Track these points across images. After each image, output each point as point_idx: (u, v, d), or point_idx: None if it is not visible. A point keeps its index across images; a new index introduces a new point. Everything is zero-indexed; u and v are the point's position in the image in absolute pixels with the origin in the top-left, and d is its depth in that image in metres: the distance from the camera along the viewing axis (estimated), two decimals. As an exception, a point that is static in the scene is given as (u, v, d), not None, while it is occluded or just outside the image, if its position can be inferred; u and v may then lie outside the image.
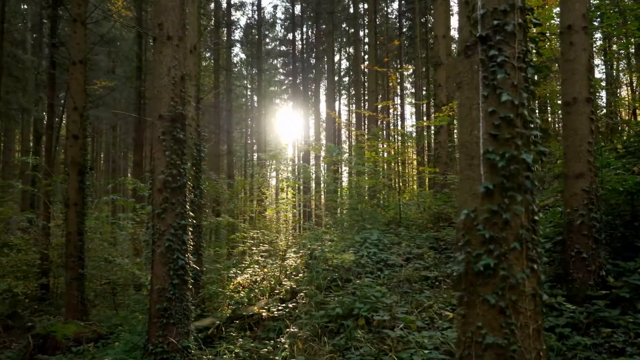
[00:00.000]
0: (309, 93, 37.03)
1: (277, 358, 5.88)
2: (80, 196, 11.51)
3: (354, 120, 39.03)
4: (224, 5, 28.84)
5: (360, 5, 25.19)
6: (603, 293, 5.33)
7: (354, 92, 40.07)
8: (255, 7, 33.43)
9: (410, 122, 33.55)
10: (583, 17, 5.66)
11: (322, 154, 21.89)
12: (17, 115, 25.46)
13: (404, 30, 31.38)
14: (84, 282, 11.58)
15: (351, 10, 33.92)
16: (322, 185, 23.78)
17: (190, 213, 6.90)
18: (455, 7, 23.94)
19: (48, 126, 19.54)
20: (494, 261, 2.74)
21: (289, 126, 42.27)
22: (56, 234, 18.09)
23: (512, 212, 2.76)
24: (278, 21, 37.33)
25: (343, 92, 40.78)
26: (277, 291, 8.35)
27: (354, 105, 39.94)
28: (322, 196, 21.94)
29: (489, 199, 2.80)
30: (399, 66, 29.80)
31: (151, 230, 6.65)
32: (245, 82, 40.07)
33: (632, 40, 11.15)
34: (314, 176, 20.14)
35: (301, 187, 18.41)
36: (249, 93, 41.14)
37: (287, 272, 9.10)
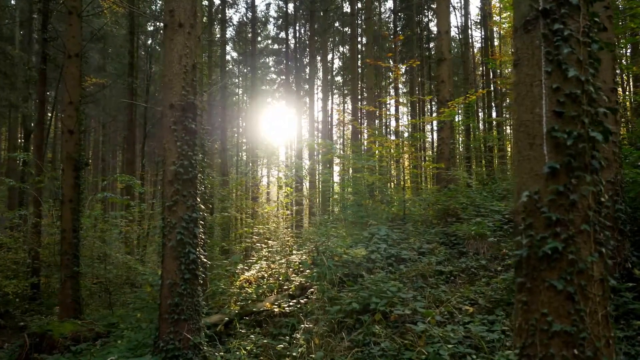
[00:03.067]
0: (301, 92, 36.83)
1: (294, 354, 5.71)
2: (75, 192, 11.26)
3: (347, 119, 38.97)
4: (216, 1, 28.58)
5: (355, 4, 25.13)
6: (630, 285, 5.24)
7: (346, 92, 40.07)
8: (247, 5, 33.10)
9: (402, 120, 33.48)
10: (606, 7, 5.57)
11: (317, 151, 21.71)
12: (5, 112, 25.01)
13: (398, 29, 31.37)
14: (79, 281, 11.34)
15: (344, 9, 33.96)
16: (317, 182, 23.63)
17: (201, 206, 6.71)
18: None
19: (38, 123, 19.13)
20: (562, 244, 2.60)
21: (282, 125, 42.06)
22: (47, 232, 17.76)
23: (579, 193, 2.63)
24: (271, 20, 37.12)
25: (335, 91, 40.63)
26: (286, 287, 8.19)
27: (347, 104, 39.92)
28: (317, 193, 21.76)
29: (554, 180, 2.67)
30: (392, 65, 29.78)
31: (162, 223, 6.45)
32: (237, 80, 39.76)
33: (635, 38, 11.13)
34: (307, 173, 19.99)
35: (293, 185, 18.22)
36: (240, 91, 40.85)
37: (294, 268, 8.94)
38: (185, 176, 6.42)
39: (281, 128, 43.35)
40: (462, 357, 4.95)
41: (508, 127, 28.67)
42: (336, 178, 19.83)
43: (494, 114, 26.09)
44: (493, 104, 24.48)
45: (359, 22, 26.35)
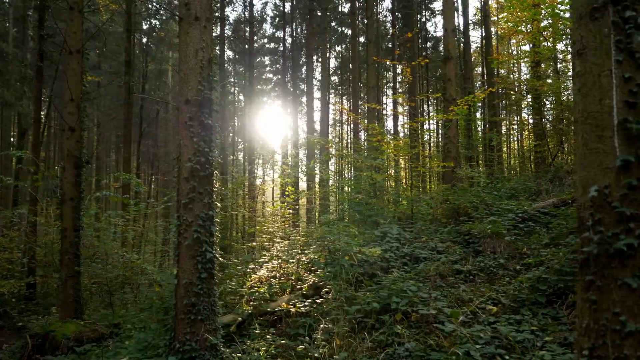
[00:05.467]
0: (298, 92, 36.70)
1: (315, 355, 5.57)
2: (76, 191, 11.07)
3: (345, 118, 38.85)
4: (214, -1, 28.33)
5: (355, 3, 25.11)
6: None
7: (342, 91, 40.00)
8: (245, 3, 32.93)
9: (401, 119, 33.44)
10: None
11: (317, 151, 21.59)
12: (-1, 110, 24.72)
13: (396, 28, 31.32)
14: (80, 280, 11.14)
15: (340, 8, 33.87)
16: (315, 182, 23.54)
17: (217, 204, 6.56)
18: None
19: (35, 121, 18.85)
20: (637, 241, 2.50)
21: (278, 124, 41.87)
22: (43, 231, 17.49)
23: (654, 187, 2.52)
24: (268, 19, 36.98)
25: (332, 91, 40.54)
26: (298, 287, 8.04)
27: (344, 104, 39.81)
28: (315, 193, 21.65)
29: (627, 173, 2.56)
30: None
31: (177, 221, 6.29)
32: (232, 79, 39.53)
33: None
34: (305, 172, 19.82)
35: (289, 182, 18.06)
36: (236, 91, 40.61)
37: (302, 267, 8.80)
38: (202, 173, 6.27)
39: (277, 127, 43.19)
40: (493, 357, 4.83)
41: (504, 127, 28.73)
42: (336, 177, 19.66)
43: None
44: (492, 104, 24.51)
45: (359, 20, 26.30)
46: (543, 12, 15.21)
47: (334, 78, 39.87)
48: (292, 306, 7.13)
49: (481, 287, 6.67)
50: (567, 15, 15.44)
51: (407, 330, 5.71)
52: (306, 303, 7.14)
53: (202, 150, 6.28)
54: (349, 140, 38.11)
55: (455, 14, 29.26)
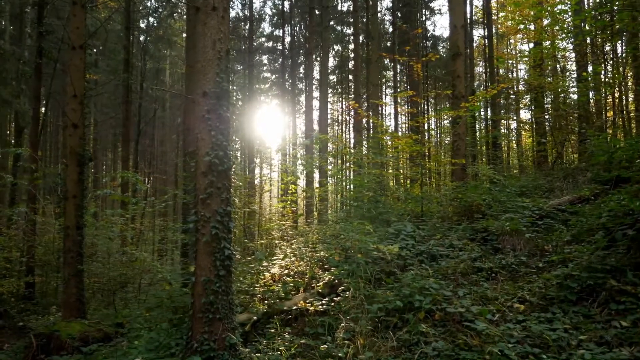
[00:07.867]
0: (296, 91, 36.54)
1: (340, 354, 5.40)
2: (79, 188, 10.88)
3: (343, 117, 38.76)
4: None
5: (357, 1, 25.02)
6: None
7: (340, 90, 39.87)
8: (243, 1, 32.79)
9: (400, 118, 33.35)
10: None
11: (316, 151, 21.45)
12: (-5, 108, 24.34)
13: (400, 25, 31.24)
14: (83, 279, 10.94)
15: (340, 7, 33.77)
16: (316, 179, 23.43)
17: (235, 199, 6.39)
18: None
19: (34, 118, 18.61)
20: None
21: (276, 124, 41.69)
22: (42, 229, 17.28)
23: None
24: (266, 17, 36.82)
25: (330, 90, 40.39)
26: (313, 285, 7.86)
27: (342, 103, 39.71)
28: (314, 191, 21.51)
29: None
30: (392, 63, 29.65)
31: (195, 217, 6.09)
32: (230, 78, 39.21)
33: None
34: (304, 171, 19.66)
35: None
36: (234, 89, 40.37)
37: (313, 265, 8.62)
38: (220, 167, 6.08)
39: (275, 127, 43.03)
40: (527, 356, 4.68)
41: (502, 127, 28.71)
42: (338, 175, 19.50)
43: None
44: (494, 102, 24.48)
45: (360, 18, 26.20)
46: (549, 9, 15.13)
47: (332, 77, 39.77)
48: (309, 305, 6.95)
49: (504, 284, 6.53)
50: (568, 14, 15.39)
51: (432, 329, 5.55)
52: (324, 301, 6.97)
53: (220, 144, 6.10)
54: (348, 140, 38.02)
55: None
